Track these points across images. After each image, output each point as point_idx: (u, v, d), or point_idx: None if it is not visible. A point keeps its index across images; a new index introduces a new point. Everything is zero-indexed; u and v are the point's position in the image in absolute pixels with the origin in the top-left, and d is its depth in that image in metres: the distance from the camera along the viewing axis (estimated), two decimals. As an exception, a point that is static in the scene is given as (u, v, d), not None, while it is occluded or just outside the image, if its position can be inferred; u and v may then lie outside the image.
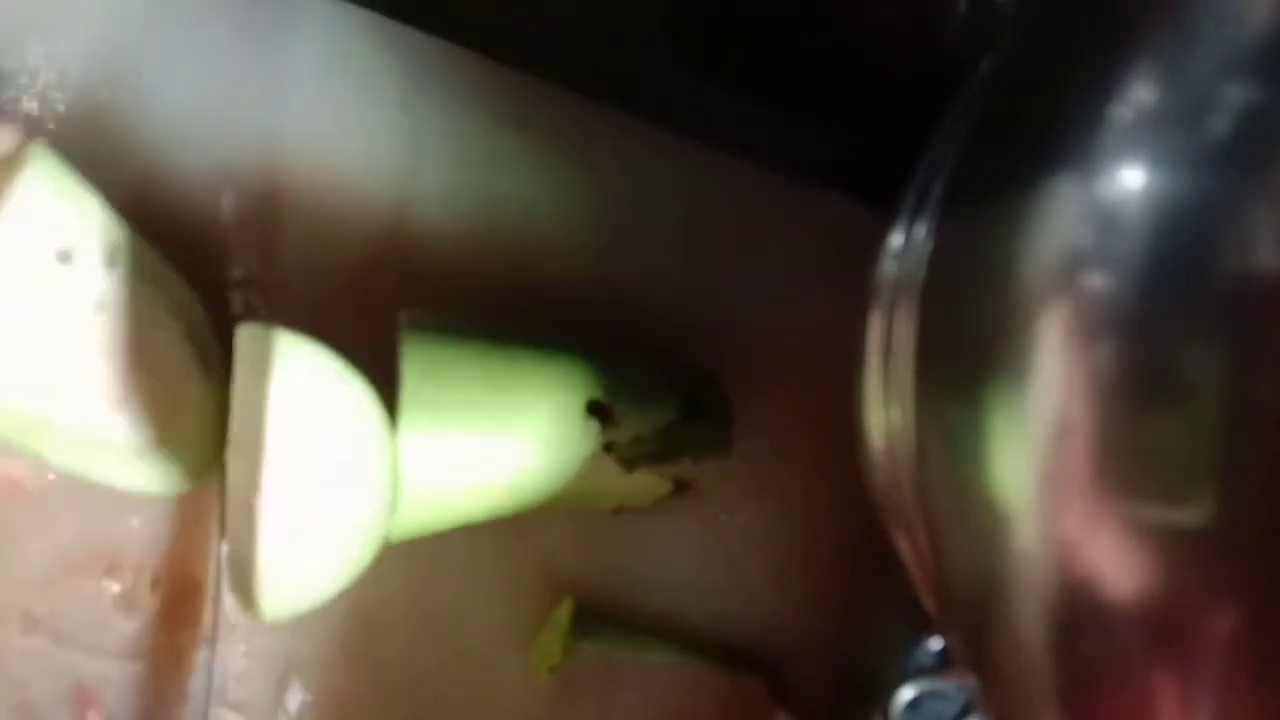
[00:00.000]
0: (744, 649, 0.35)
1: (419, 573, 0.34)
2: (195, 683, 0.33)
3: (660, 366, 0.32)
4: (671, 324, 0.34)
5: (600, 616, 0.34)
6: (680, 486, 0.32)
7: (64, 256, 0.27)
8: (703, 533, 0.33)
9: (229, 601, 0.32)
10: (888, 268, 0.24)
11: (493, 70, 0.33)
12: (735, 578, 0.35)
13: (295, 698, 0.34)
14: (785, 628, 0.35)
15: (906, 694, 0.30)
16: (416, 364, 0.29)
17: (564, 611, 0.34)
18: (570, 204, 0.34)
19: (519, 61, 0.33)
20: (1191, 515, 0.16)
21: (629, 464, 0.30)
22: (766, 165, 0.34)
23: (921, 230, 0.22)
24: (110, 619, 0.33)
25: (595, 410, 0.30)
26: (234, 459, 0.28)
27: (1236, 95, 0.16)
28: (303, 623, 0.34)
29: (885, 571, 0.26)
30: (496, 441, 0.29)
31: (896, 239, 0.24)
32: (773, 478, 0.35)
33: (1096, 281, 0.16)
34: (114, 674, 0.33)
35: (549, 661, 0.33)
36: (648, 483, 0.31)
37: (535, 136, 0.33)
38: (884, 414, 0.23)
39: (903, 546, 0.24)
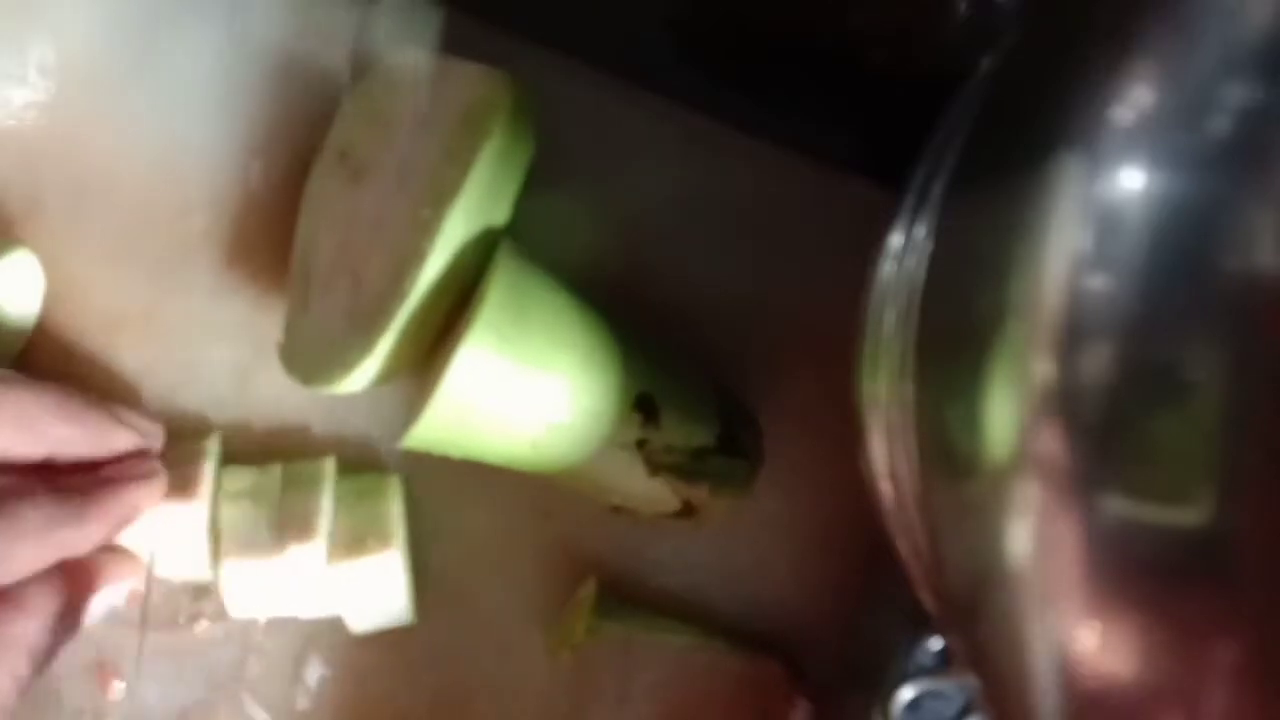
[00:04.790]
0: (764, 633, 0.35)
1: (442, 548, 0.34)
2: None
3: (715, 394, 0.32)
4: (700, 307, 0.34)
5: (622, 597, 0.34)
6: (686, 510, 0.32)
7: None
8: (727, 516, 0.33)
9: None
10: (888, 268, 0.24)
11: (512, 47, 0.33)
12: (758, 562, 0.35)
13: (314, 673, 0.34)
14: (807, 613, 0.35)
15: (906, 694, 0.30)
16: (502, 288, 0.29)
17: (588, 591, 0.33)
18: (600, 186, 0.34)
19: (539, 39, 0.33)
20: (1190, 515, 0.16)
21: (653, 467, 0.30)
22: (792, 150, 0.33)
23: (921, 230, 0.22)
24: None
25: (643, 404, 0.30)
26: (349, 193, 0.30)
27: (1236, 95, 0.16)
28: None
29: (886, 571, 0.26)
30: (544, 390, 0.29)
31: (896, 239, 0.24)
32: (799, 462, 0.35)
33: (1096, 281, 0.16)
34: (133, 645, 0.33)
35: (571, 640, 0.33)
36: (659, 493, 0.31)
37: (561, 114, 0.33)
38: (884, 413, 0.23)
39: (903, 546, 0.24)
